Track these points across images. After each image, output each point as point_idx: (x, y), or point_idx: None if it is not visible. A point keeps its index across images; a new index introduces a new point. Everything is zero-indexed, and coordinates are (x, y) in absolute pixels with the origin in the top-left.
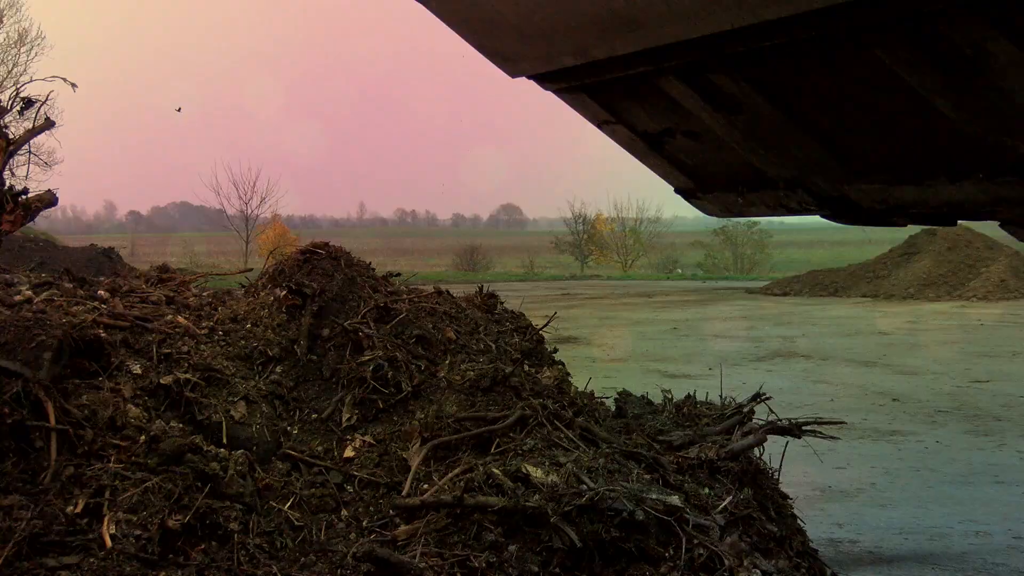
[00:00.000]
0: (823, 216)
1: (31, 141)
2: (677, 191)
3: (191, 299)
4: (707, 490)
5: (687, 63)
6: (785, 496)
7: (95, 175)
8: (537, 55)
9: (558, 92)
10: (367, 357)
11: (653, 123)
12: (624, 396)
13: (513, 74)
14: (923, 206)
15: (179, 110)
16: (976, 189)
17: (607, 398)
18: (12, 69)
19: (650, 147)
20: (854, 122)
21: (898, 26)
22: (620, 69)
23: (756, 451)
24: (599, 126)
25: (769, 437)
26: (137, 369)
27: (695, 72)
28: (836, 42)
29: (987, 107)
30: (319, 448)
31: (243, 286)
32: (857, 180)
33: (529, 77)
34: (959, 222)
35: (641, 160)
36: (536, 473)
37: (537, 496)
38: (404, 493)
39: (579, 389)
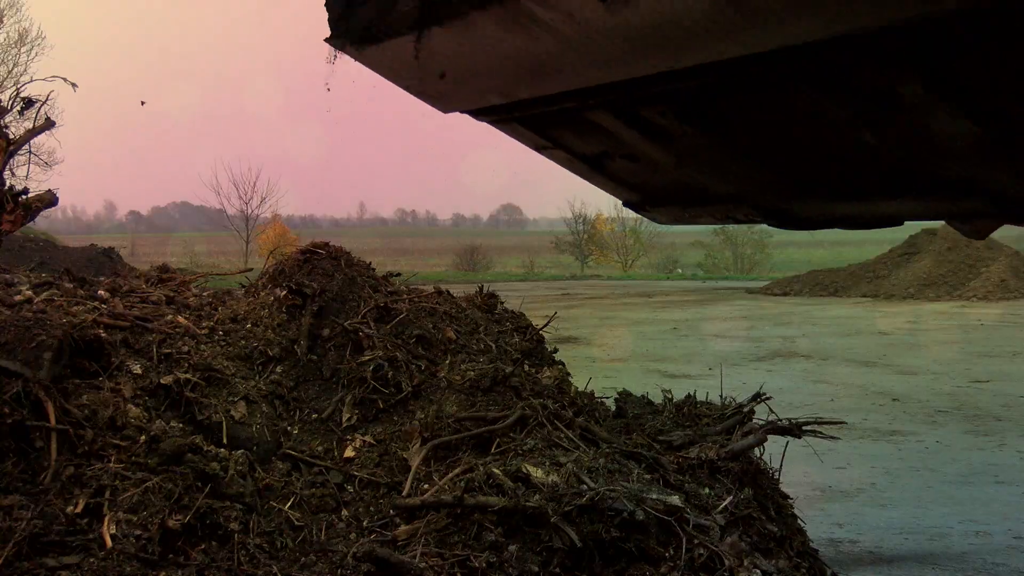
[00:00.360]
0: (769, 224)
1: (31, 141)
2: (625, 204)
3: (191, 299)
4: (707, 490)
5: (614, 100)
6: (785, 496)
7: (95, 175)
8: (465, 96)
9: (492, 123)
10: (367, 357)
11: (590, 147)
12: (624, 396)
13: (445, 111)
14: (865, 217)
15: (143, 104)
16: (913, 204)
17: (607, 398)
18: (12, 69)
19: (591, 168)
20: (789, 149)
21: (814, 71)
22: (548, 105)
23: (756, 451)
24: (537, 150)
25: (769, 437)
26: (137, 369)
27: (623, 107)
28: (758, 84)
29: (907, 138)
30: (319, 448)
31: (243, 286)
32: (798, 198)
33: (461, 112)
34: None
35: (584, 179)
36: (536, 473)
37: (537, 496)
38: (404, 493)
39: (579, 389)
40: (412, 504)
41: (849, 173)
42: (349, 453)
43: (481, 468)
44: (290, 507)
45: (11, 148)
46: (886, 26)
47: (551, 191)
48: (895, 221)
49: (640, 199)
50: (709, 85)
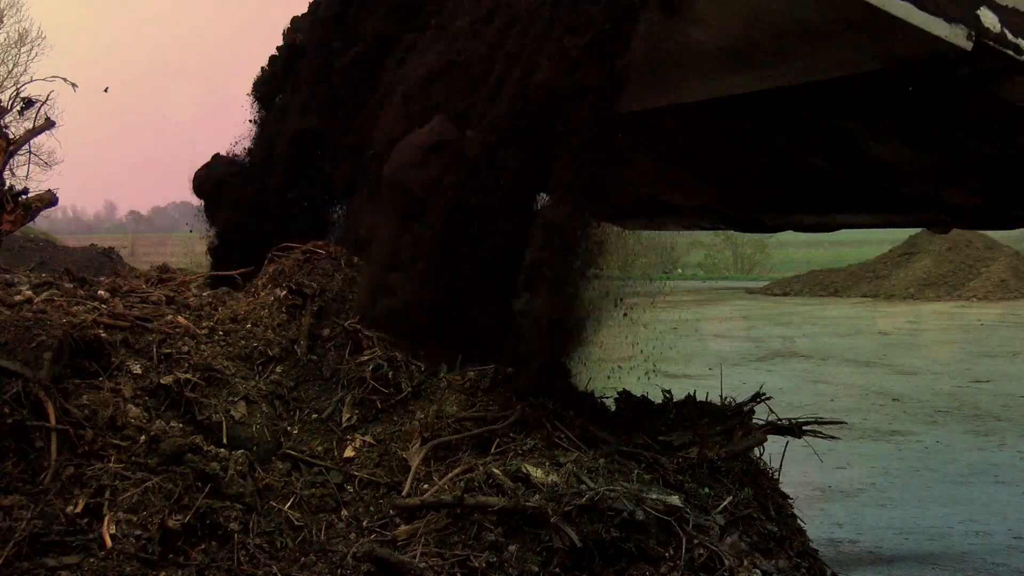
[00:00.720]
0: (735, 230)
1: (31, 141)
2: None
3: (191, 299)
4: (707, 490)
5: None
6: (785, 496)
7: (95, 175)
8: None
9: None
10: (367, 357)
11: None
12: (624, 396)
13: None
14: (824, 225)
15: (106, 90)
16: (866, 217)
17: (607, 398)
18: (12, 69)
19: None
20: (750, 173)
21: (762, 112)
22: None
23: (756, 451)
24: None
25: (769, 437)
26: (137, 369)
27: None
28: (717, 121)
29: (855, 163)
30: (319, 448)
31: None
32: (762, 210)
33: None
34: None
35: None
36: (536, 473)
37: (537, 496)
38: (404, 493)
39: (579, 389)
40: (412, 504)
41: (806, 192)
42: (349, 453)
43: (481, 468)
44: (290, 507)
45: (11, 148)
46: (822, 80)
47: None
48: (856, 226)
49: (607, 211)
50: (670, 122)
